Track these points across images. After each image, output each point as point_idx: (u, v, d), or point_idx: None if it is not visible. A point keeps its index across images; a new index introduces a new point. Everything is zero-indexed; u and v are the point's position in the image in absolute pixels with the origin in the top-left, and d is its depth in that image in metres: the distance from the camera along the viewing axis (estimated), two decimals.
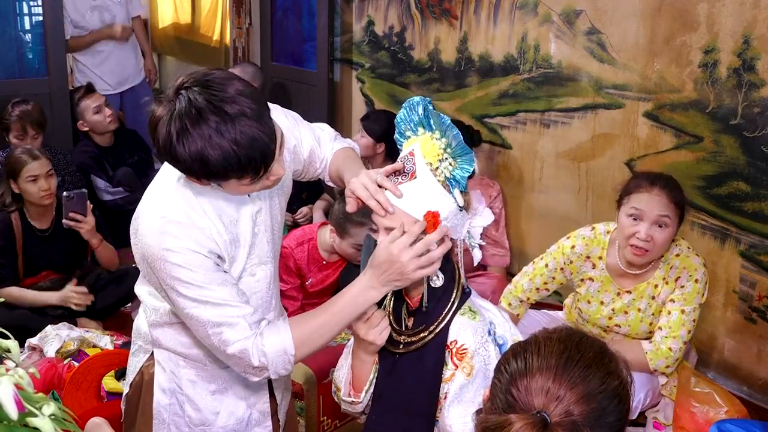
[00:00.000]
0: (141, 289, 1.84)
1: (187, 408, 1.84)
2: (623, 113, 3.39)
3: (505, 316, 1.73)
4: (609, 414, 1.14)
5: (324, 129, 1.99)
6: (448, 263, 1.68)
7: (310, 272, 3.32)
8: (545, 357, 1.17)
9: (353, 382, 1.78)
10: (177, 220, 1.61)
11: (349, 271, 3.26)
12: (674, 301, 2.54)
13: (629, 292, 2.63)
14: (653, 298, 2.59)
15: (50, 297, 3.41)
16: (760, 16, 2.88)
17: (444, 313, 1.66)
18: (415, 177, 1.59)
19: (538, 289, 2.79)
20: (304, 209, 4.20)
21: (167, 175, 1.69)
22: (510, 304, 2.82)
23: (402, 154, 1.63)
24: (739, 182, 3.02)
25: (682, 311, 2.51)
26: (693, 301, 2.53)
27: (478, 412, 1.23)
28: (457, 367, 1.62)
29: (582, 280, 2.71)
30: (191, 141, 1.46)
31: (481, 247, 1.69)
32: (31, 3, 4.56)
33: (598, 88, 3.47)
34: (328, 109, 4.83)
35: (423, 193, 1.58)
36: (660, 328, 2.55)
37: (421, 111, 1.60)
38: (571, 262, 2.69)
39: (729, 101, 3.00)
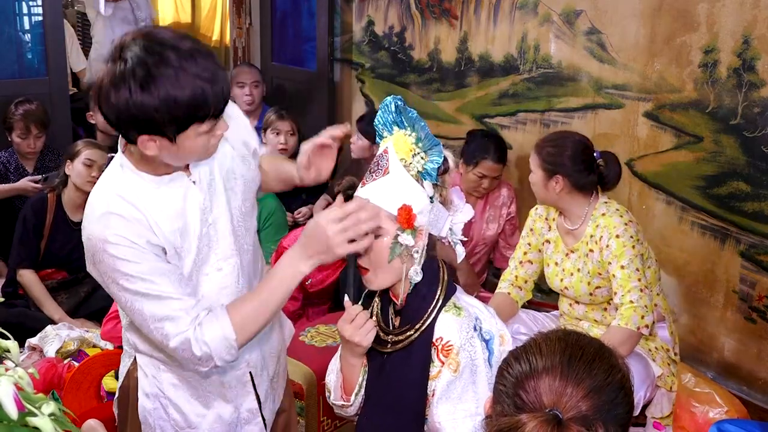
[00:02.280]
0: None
1: (171, 411, 1.83)
2: (623, 113, 3.39)
3: (491, 311, 1.73)
4: (617, 406, 1.15)
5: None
6: (432, 261, 1.68)
7: (310, 272, 3.32)
8: (548, 356, 1.17)
9: (343, 386, 1.79)
10: (116, 212, 1.60)
11: (349, 270, 3.26)
12: (610, 263, 2.62)
13: (573, 251, 2.75)
14: (587, 255, 2.70)
15: (54, 311, 3.45)
16: (760, 16, 2.88)
17: (429, 310, 1.66)
18: (388, 173, 1.62)
19: (521, 262, 2.92)
20: (304, 209, 4.20)
21: (112, 166, 1.70)
22: (500, 287, 2.94)
23: (377, 153, 1.66)
24: (739, 182, 3.02)
25: (621, 267, 2.58)
26: (625, 254, 2.58)
27: (487, 417, 1.24)
28: (443, 363, 1.62)
29: (543, 243, 2.87)
30: (158, 85, 1.47)
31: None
32: (31, 3, 4.56)
33: (598, 88, 3.47)
34: (328, 109, 4.83)
35: (396, 187, 1.61)
36: (615, 293, 2.61)
37: (393, 109, 1.63)
38: (535, 222, 2.89)
39: (729, 101, 3.00)
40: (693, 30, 3.08)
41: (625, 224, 2.62)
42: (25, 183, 3.89)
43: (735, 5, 2.94)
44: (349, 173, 3.89)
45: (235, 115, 1.80)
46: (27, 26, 4.62)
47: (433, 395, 1.63)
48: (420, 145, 1.62)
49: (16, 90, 4.19)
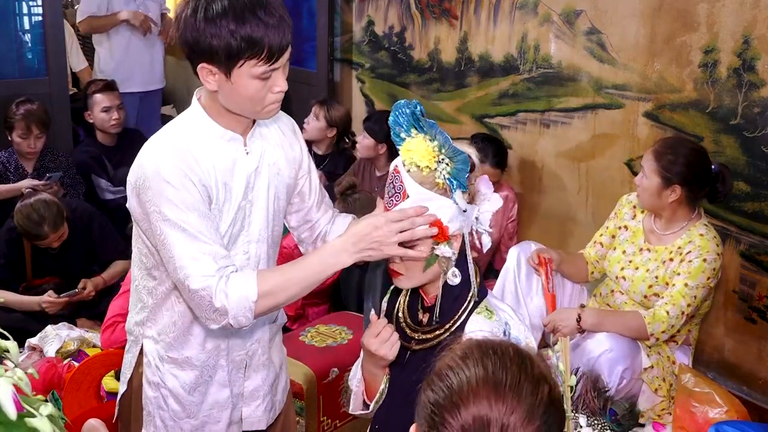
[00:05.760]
0: (137, 270, 1.85)
1: (171, 402, 1.85)
2: (623, 113, 3.39)
3: (521, 318, 1.74)
4: (552, 424, 1.04)
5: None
6: (465, 262, 1.68)
7: None
8: (470, 380, 1.03)
9: (366, 392, 1.80)
10: (176, 146, 1.67)
11: (349, 271, 3.25)
12: (679, 274, 2.64)
13: (649, 250, 2.77)
14: (664, 262, 2.71)
15: (33, 303, 3.41)
16: (760, 16, 2.88)
17: (461, 311, 1.66)
18: (408, 196, 1.60)
19: (595, 242, 2.99)
20: None
21: (180, 116, 1.77)
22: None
23: (389, 172, 1.65)
24: (739, 182, 3.02)
25: (686, 284, 2.61)
26: (697, 278, 2.60)
27: None
28: None
29: (619, 228, 2.91)
30: (222, 16, 1.56)
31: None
32: (31, 3, 4.56)
33: (598, 88, 3.47)
34: None
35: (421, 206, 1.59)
36: (662, 296, 2.65)
37: (409, 112, 1.61)
38: (623, 206, 2.93)
39: (729, 101, 3.00)
40: (693, 30, 3.08)
41: (717, 255, 2.64)
42: (26, 183, 3.88)
43: (735, 5, 2.94)
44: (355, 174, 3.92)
45: (291, 126, 1.94)
46: (27, 26, 4.62)
47: None
48: (444, 151, 1.58)
49: (16, 90, 4.19)
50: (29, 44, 4.59)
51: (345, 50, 4.85)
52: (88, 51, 5.44)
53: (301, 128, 4.29)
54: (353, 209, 3.07)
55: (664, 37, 3.19)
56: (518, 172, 3.90)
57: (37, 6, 4.47)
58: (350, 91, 4.88)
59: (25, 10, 4.61)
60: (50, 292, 3.42)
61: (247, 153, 1.75)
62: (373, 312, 1.72)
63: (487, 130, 3.97)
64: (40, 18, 4.45)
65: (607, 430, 2.18)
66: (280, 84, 1.67)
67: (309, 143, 4.30)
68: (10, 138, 3.97)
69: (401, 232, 1.58)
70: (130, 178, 1.70)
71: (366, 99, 4.77)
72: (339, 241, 1.66)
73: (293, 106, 4.95)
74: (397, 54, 4.50)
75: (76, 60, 5.16)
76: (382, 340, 1.67)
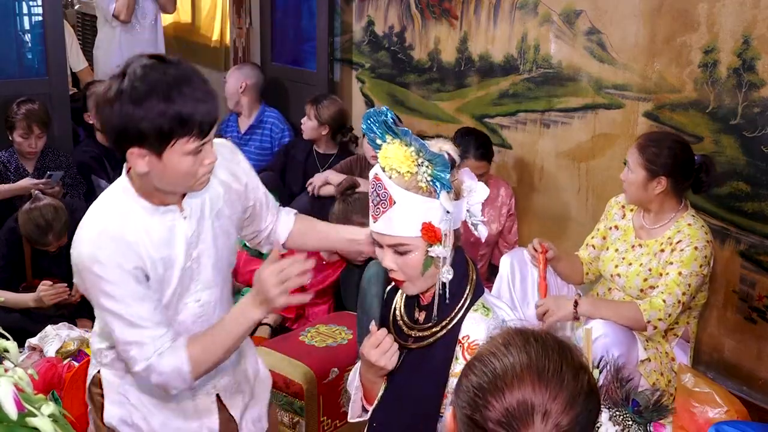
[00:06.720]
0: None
1: (135, 417, 1.87)
2: (623, 113, 3.39)
3: (518, 317, 1.74)
4: (591, 411, 1.08)
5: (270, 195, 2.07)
6: (462, 259, 1.68)
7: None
8: (514, 368, 1.06)
9: (365, 397, 1.81)
10: (109, 233, 1.67)
11: (349, 271, 3.26)
12: (672, 263, 2.65)
13: (641, 245, 2.79)
14: (656, 254, 2.73)
15: (27, 299, 3.38)
16: (760, 16, 2.88)
17: (457, 308, 1.67)
18: (394, 202, 1.60)
19: (587, 245, 3.01)
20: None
21: (114, 188, 1.76)
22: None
23: (370, 185, 1.65)
24: (739, 182, 3.02)
25: (679, 273, 2.62)
26: (690, 266, 2.62)
27: None
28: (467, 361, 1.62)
29: (610, 228, 2.94)
30: (148, 98, 1.54)
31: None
32: (31, 3, 4.56)
33: (598, 88, 3.47)
34: None
35: (408, 211, 1.59)
36: (657, 287, 2.67)
37: (381, 121, 1.61)
38: (611, 207, 2.96)
39: (729, 101, 3.00)
40: (693, 30, 3.08)
41: (707, 242, 2.66)
42: (26, 183, 3.88)
43: (735, 5, 2.94)
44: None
45: (229, 157, 1.87)
46: (27, 26, 4.61)
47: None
48: (422, 154, 1.58)
49: (16, 90, 4.19)
50: (29, 44, 4.59)
51: (345, 50, 4.85)
52: (88, 51, 5.45)
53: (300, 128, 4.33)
54: (353, 209, 3.08)
55: (664, 37, 3.19)
56: (518, 172, 3.90)
57: (37, 6, 4.47)
58: (350, 91, 4.88)
59: (25, 10, 4.61)
60: (45, 281, 3.37)
61: (185, 217, 1.75)
62: (372, 324, 1.72)
63: (487, 130, 3.96)
64: (40, 18, 4.45)
65: (629, 421, 2.17)
66: (210, 157, 1.66)
67: (311, 142, 4.31)
68: (10, 138, 3.97)
69: (282, 282, 1.66)
70: (72, 253, 1.71)
71: (366, 99, 4.77)
72: (246, 298, 1.73)
73: (292, 106, 4.96)
74: (397, 54, 4.50)
75: (76, 60, 5.15)
76: (382, 350, 1.67)
